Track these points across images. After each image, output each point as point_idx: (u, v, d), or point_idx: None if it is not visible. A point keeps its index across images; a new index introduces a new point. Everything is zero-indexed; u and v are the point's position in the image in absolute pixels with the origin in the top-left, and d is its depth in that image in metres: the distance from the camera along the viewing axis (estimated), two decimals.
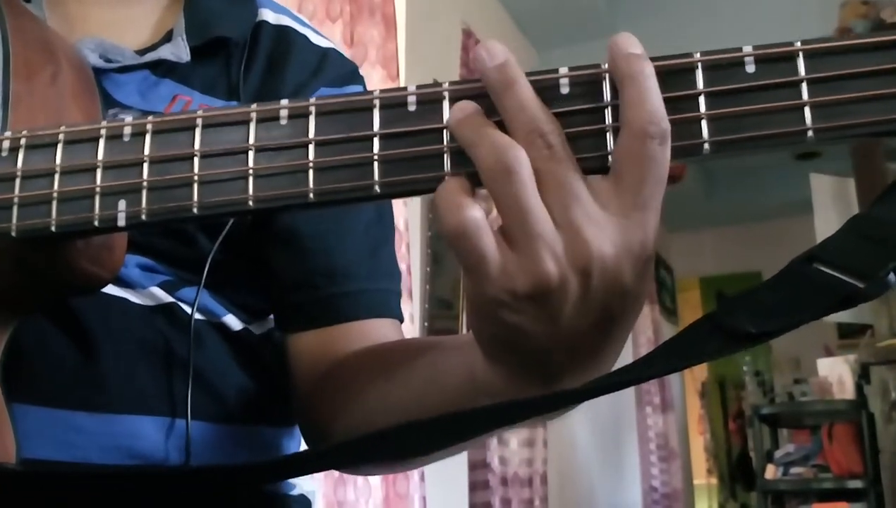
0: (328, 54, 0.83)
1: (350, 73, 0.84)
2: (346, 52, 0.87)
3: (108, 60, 0.73)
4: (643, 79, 0.45)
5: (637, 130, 0.44)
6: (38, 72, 0.63)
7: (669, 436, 6.02)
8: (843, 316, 3.62)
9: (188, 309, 0.71)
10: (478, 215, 0.45)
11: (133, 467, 0.66)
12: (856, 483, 3.89)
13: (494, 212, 0.46)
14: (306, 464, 0.57)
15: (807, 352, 5.59)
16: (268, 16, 0.82)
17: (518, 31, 4.04)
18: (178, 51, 0.75)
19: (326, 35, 0.87)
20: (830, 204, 3.73)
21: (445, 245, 0.45)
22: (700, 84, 0.45)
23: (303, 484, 0.80)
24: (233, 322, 0.75)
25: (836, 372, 4.17)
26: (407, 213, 2.57)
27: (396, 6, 2.63)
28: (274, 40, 0.80)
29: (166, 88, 0.75)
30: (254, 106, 0.50)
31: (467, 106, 0.47)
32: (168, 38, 0.77)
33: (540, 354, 0.48)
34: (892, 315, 3.19)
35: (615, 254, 0.45)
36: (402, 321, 0.79)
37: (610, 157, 0.46)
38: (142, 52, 0.75)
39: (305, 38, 0.82)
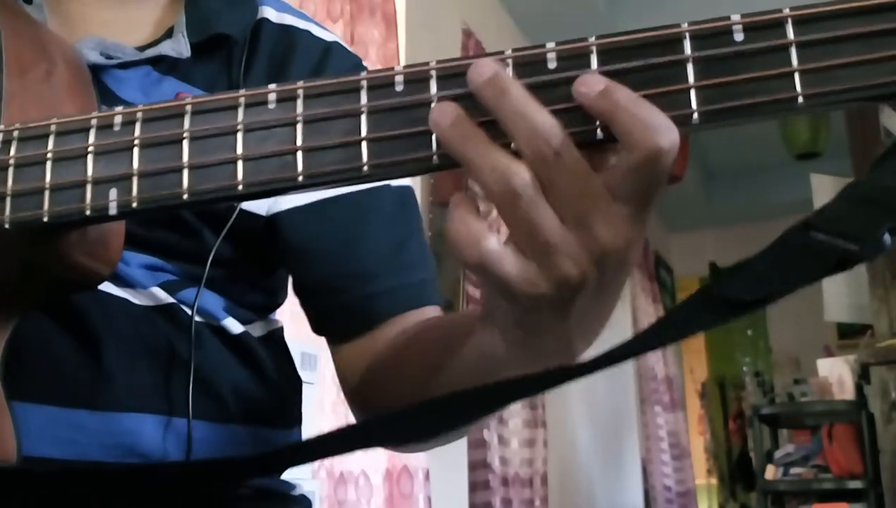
0: (331, 48, 0.83)
1: (353, 67, 0.83)
2: None
3: (108, 57, 0.73)
4: (627, 105, 0.44)
5: (647, 151, 0.44)
6: (32, 69, 0.63)
7: (680, 434, 6.00)
8: (843, 316, 3.61)
9: (188, 310, 0.72)
10: (494, 247, 0.46)
11: (134, 464, 0.66)
12: (856, 484, 3.88)
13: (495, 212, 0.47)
14: (300, 454, 0.57)
15: (807, 353, 5.58)
16: (269, 14, 0.82)
17: (518, 31, 4.03)
18: (179, 47, 0.76)
19: None
20: None
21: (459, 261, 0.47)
22: (688, 54, 0.45)
23: (303, 484, 0.80)
24: (232, 325, 0.75)
25: (836, 373, 4.16)
26: None
27: (396, 6, 2.63)
28: (276, 38, 0.80)
29: (169, 86, 0.75)
30: (242, 91, 0.50)
31: (449, 109, 0.46)
32: (168, 34, 0.77)
33: (552, 329, 0.50)
34: (892, 315, 3.18)
35: (626, 246, 0.46)
36: (439, 305, 0.79)
37: (599, 131, 0.45)
38: (142, 49, 0.76)
39: (308, 33, 0.82)
